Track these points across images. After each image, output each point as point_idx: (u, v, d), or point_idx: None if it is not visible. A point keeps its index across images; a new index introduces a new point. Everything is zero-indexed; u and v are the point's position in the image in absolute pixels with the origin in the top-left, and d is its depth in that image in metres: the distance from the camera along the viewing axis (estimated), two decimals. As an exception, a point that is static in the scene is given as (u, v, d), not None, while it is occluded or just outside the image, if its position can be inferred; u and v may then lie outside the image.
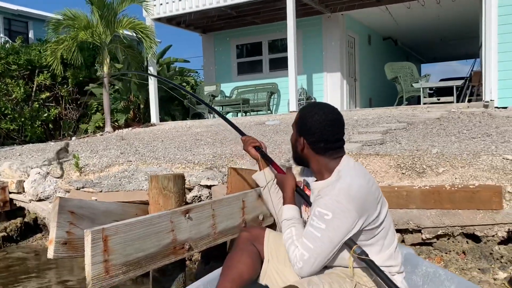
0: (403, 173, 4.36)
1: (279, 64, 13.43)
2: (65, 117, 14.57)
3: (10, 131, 12.85)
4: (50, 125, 14.11)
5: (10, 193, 5.82)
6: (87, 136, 11.43)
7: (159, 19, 12.64)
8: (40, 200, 5.62)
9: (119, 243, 2.85)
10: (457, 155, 4.27)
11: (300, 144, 2.28)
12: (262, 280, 2.45)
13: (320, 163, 2.24)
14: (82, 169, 5.90)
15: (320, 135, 2.19)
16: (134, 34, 12.43)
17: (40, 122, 13.55)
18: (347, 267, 2.14)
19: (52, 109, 14.02)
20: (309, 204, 2.29)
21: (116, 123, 13.38)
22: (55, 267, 4.96)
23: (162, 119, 13.16)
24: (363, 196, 2.05)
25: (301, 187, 2.43)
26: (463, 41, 16.76)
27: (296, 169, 3.19)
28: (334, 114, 2.24)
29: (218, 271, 2.52)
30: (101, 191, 5.12)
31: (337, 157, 2.21)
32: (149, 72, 12.44)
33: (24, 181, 5.80)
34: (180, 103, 14.89)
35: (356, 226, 2.04)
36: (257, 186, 4.28)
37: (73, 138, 11.04)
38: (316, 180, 2.30)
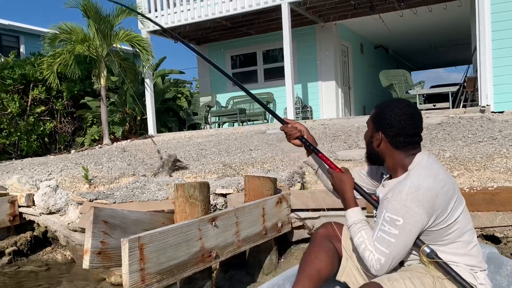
0: (417, 177, 4.43)
1: (274, 74, 13.56)
2: (60, 130, 14.50)
3: (6, 145, 12.77)
4: (46, 139, 14.02)
5: (19, 206, 5.81)
6: (85, 149, 11.40)
7: (154, 32, 12.68)
8: (50, 213, 5.61)
9: (154, 251, 2.88)
10: (470, 159, 4.36)
11: (377, 140, 2.26)
12: (340, 277, 2.45)
13: (395, 159, 2.23)
14: (92, 181, 5.90)
15: (399, 129, 2.18)
16: (130, 47, 12.50)
17: (36, 136, 13.47)
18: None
19: (48, 123, 13.95)
20: (374, 206, 2.31)
21: (112, 136, 13.35)
22: (69, 280, 4.95)
23: (158, 131, 13.16)
24: (431, 199, 2.03)
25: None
26: (453, 48, 17.02)
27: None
28: (414, 108, 2.24)
29: (295, 268, 2.53)
30: (114, 202, 5.13)
31: (413, 154, 2.20)
32: (146, 84, 12.45)
33: (33, 195, 5.79)
34: (175, 115, 14.92)
35: (426, 226, 2.07)
36: (272, 193, 4.35)
37: (72, 151, 11.00)
38: (388, 178, 2.31)
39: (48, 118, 14.20)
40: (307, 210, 4.47)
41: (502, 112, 9.08)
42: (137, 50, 11.61)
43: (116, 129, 13.48)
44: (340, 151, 5.50)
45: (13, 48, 19.28)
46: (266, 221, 4.08)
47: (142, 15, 4.59)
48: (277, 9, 11.25)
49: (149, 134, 12.42)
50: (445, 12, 12.19)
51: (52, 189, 5.60)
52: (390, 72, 12.02)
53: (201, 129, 13.78)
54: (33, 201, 5.78)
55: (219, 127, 13.63)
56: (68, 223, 5.35)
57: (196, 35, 13.78)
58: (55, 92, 14.01)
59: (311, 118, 12.72)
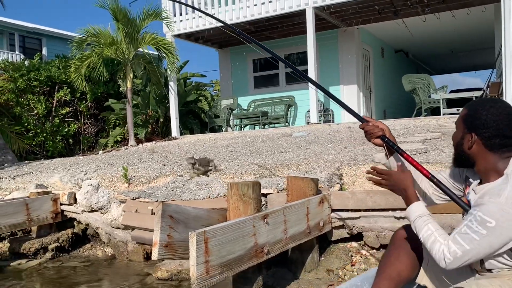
0: (455, 180, 4.54)
1: (295, 78, 13.69)
2: (84, 132, 14.79)
3: (32, 146, 13.04)
4: (70, 140, 14.31)
5: (61, 204, 5.99)
6: (111, 150, 11.61)
7: (178, 35, 12.91)
8: (92, 211, 5.78)
9: (216, 245, 3.03)
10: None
11: (468, 141, 2.14)
12: (421, 281, 2.38)
13: (488, 162, 2.11)
14: (130, 181, 6.08)
15: (495, 129, 2.06)
16: (155, 51, 12.71)
17: (60, 137, 13.77)
18: None
19: (72, 124, 14.24)
20: (465, 209, 2.19)
21: (135, 137, 13.57)
22: (113, 275, 5.11)
23: (181, 133, 13.35)
24: None
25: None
26: (473, 52, 17.07)
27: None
28: (510, 108, 2.11)
29: (374, 270, 2.49)
30: (156, 201, 5.29)
31: (508, 157, 2.08)
32: (170, 86, 12.65)
33: (75, 193, 5.98)
34: (196, 117, 15.11)
35: None
36: (314, 194, 4.48)
37: (100, 151, 11.21)
38: (479, 183, 2.19)
39: (72, 120, 14.50)
40: (347, 210, 4.60)
41: (527, 117, 9.14)
42: (163, 53, 11.81)
43: (139, 130, 13.70)
44: (376, 154, 5.63)
45: (35, 50, 19.68)
46: (310, 220, 4.21)
47: (206, 13, 4.67)
48: (301, 13, 11.43)
49: (172, 135, 12.61)
50: (468, 17, 12.26)
51: (94, 188, 5.78)
52: (413, 76, 12.10)
53: (222, 131, 13.96)
54: (75, 199, 5.97)
55: (241, 129, 13.79)
56: (111, 221, 5.52)
57: (219, 39, 13.98)
58: (79, 94, 14.32)
59: (333, 122, 12.83)
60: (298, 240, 4.05)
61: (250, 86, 14.53)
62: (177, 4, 12.68)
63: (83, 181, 6.04)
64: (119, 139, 14.34)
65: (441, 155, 5.21)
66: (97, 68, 11.30)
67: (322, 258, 4.56)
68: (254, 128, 13.56)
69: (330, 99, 3.24)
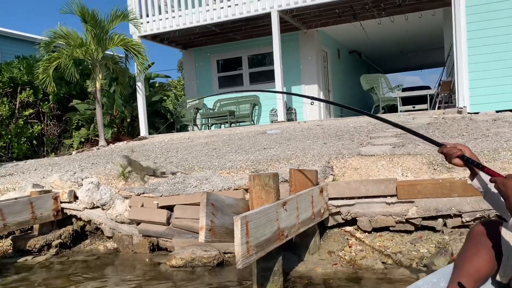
0: (434, 169, 5.18)
1: (259, 78, 14.24)
2: (47, 133, 14.69)
3: (-3, 148, 12.89)
4: (34, 142, 14.19)
5: (61, 202, 6.22)
6: (82, 151, 11.70)
7: (145, 36, 13.10)
8: (94, 207, 6.06)
9: (253, 228, 3.48)
10: (479, 152, 5.14)
11: None
12: (501, 278, 2.34)
13: None
14: (128, 178, 6.38)
15: None
16: (121, 51, 12.86)
17: (25, 139, 13.64)
18: None
19: (36, 126, 14.12)
20: None
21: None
22: (120, 266, 5.43)
23: (148, 133, 13.56)
24: None
25: None
26: (422, 53, 18.19)
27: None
28: None
29: (451, 266, 2.46)
30: (161, 196, 5.65)
31: None
32: (138, 87, 12.85)
33: (75, 191, 6.22)
34: (162, 117, 15.33)
35: None
36: (314, 184, 5.00)
37: (74, 152, 11.29)
38: None
39: (36, 121, 14.37)
40: (343, 198, 5.14)
41: (477, 113, 10.04)
42: (132, 54, 12.00)
43: (105, 131, 13.76)
44: (361, 148, 6.21)
45: (-14, 51, 19.13)
46: (314, 207, 4.72)
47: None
48: (265, 16, 11.92)
49: (142, 135, 12.82)
50: (420, 20, 13.18)
51: (95, 186, 6.05)
52: (371, 76, 12.90)
53: (188, 130, 14.27)
54: (75, 197, 6.22)
55: (208, 128, 14.15)
56: (116, 216, 5.82)
57: (183, 40, 14.26)
58: (41, 95, 14.23)
59: (296, 120, 13.43)
60: (306, 225, 4.55)
61: (215, 86, 14.91)
62: (143, 5, 12.90)
63: (82, 179, 6.29)
64: (83, 140, 14.36)
65: (418, 148, 5.86)
66: (67, 69, 11.36)
67: (322, 242, 5.09)
68: (220, 127, 13.96)
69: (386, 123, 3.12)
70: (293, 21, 12.81)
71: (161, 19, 12.71)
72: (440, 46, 13.85)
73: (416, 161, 5.33)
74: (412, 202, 4.83)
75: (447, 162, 5.01)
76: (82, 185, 6.18)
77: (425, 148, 5.77)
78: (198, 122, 14.33)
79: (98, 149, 11.38)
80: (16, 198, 5.99)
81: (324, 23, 13.44)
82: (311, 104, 3.39)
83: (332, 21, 13.31)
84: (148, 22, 12.87)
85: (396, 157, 5.48)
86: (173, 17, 12.59)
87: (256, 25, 13.08)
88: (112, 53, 12.86)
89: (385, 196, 4.97)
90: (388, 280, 4.22)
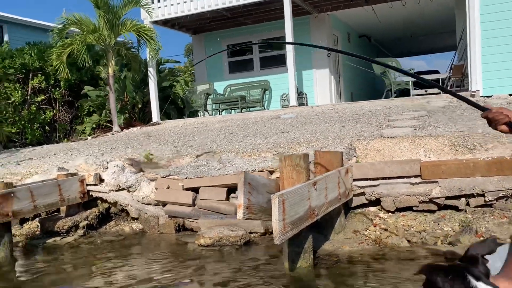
0: (456, 150, 5.27)
1: (269, 62, 14.27)
2: (59, 119, 14.79)
3: (11, 134, 13.00)
4: (46, 127, 14.30)
5: (87, 185, 6.34)
6: (97, 136, 11.81)
7: (156, 22, 13.14)
8: (119, 189, 6.17)
9: (289, 206, 3.59)
10: (500, 134, 5.20)
11: None
12: None
13: None
14: (152, 161, 6.49)
15: None
16: (135, 37, 12.90)
17: (38, 125, 13.76)
18: None
19: (48, 112, 14.23)
20: None
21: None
22: (148, 246, 5.55)
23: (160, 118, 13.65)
24: None
25: None
26: (433, 37, 18.16)
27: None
28: None
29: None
30: (186, 178, 5.75)
31: None
32: (149, 73, 12.91)
33: (100, 174, 6.33)
34: (173, 102, 15.40)
35: None
36: (340, 166, 5.08)
37: (89, 138, 11.40)
38: None
39: (48, 107, 14.47)
40: (367, 179, 5.24)
41: (490, 96, 10.09)
42: (144, 40, 12.04)
43: (118, 116, 13.85)
44: (382, 130, 6.29)
45: (-4, 37, 19.19)
46: (340, 188, 4.82)
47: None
48: (277, 0, 11.92)
49: (154, 121, 12.91)
50: (431, 4, 13.15)
51: (120, 169, 6.16)
52: (383, 60, 12.90)
53: (198, 116, 14.35)
54: (100, 180, 6.33)
55: (219, 114, 14.23)
56: (142, 197, 5.94)
57: (194, 24, 14.29)
58: (53, 81, 14.31)
59: (307, 104, 13.48)
60: (333, 205, 4.65)
61: (225, 71, 14.96)
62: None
63: (108, 163, 6.40)
64: (94, 126, 14.47)
65: (438, 130, 5.93)
66: (80, 55, 11.42)
67: (346, 222, 5.19)
68: (231, 113, 14.02)
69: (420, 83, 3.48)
70: (304, 5, 12.81)
71: (172, 4, 12.73)
72: (452, 30, 13.83)
73: (438, 143, 5.40)
74: (436, 182, 4.92)
75: (468, 144, 5.04)
76: (107, 168, 6.30)
77: (446, 130, 5.84)
78: (208, 107, 14.41)
79: (113, 134, 11.48)
80: (43, 181, 6.11)
81: (335, 7, 13.42)
82: (328, 56, 3.40)
83: (343, 5, 13.30)
84: (159, 7, 12.89)
85: (418, 138, 5.56)
86: (185, 2, 12.59)
87: (268, 9, 13.07)
88: (124, 39, 12.90)
89: (409, 177, 5.06)
90: (414, 258, 4.32)
